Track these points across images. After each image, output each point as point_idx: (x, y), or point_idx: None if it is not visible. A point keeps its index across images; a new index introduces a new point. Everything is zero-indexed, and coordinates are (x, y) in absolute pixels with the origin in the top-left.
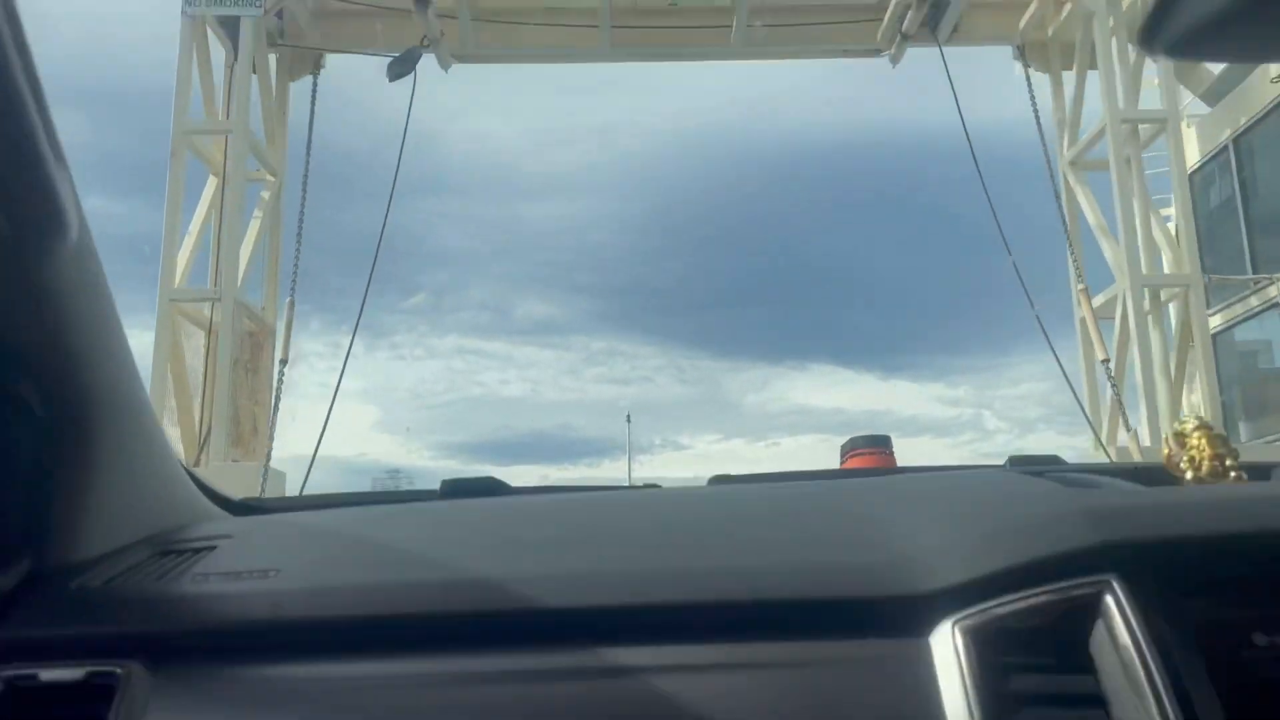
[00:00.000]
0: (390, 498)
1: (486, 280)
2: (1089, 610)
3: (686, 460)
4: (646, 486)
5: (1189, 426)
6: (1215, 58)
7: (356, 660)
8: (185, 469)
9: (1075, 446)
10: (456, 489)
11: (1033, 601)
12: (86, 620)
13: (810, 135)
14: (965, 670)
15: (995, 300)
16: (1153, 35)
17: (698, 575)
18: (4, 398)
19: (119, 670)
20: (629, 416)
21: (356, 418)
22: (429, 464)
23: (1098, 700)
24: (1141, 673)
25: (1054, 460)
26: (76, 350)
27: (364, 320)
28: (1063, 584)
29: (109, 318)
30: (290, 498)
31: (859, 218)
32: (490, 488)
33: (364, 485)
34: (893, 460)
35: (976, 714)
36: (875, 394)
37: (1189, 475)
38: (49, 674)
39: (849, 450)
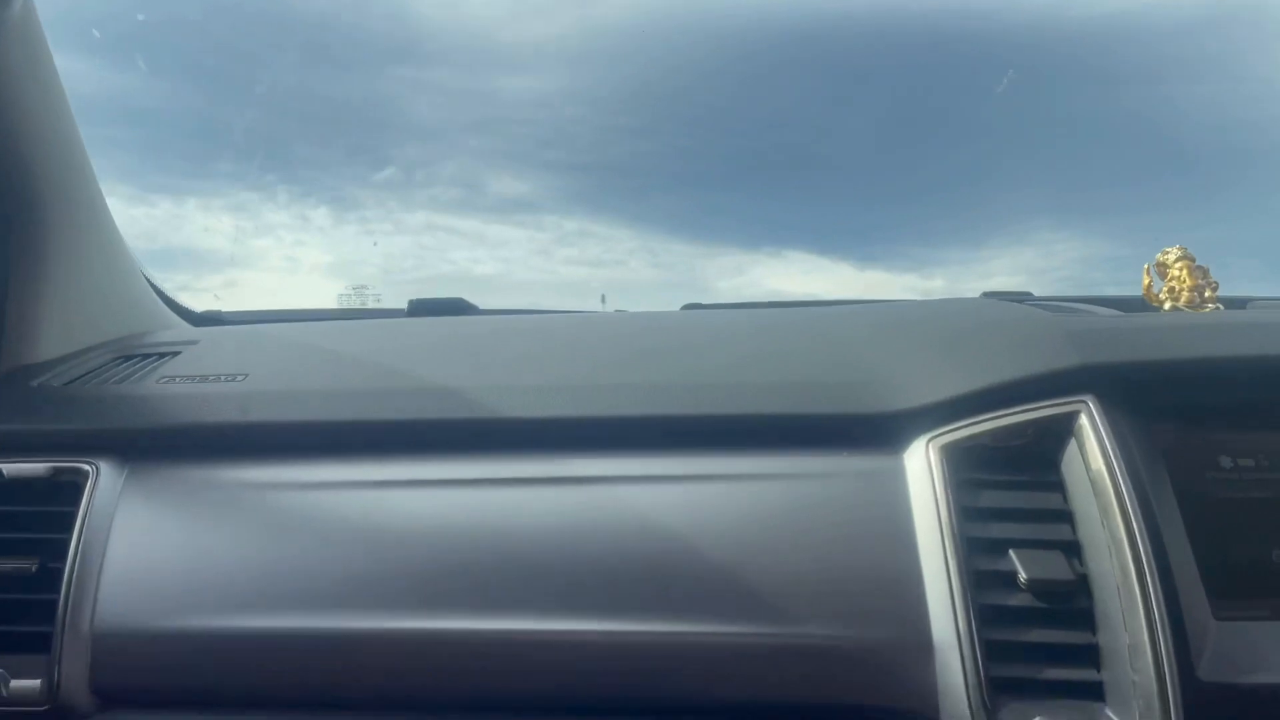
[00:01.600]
0: (356, 314)
1: (458, 155)
2: (1063, 430)
3: None
4: (617, 313)
5: (1170, 257)
6: None
7: (323, 463)
8: (146, 277)
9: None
10: (424, 307)
11: (1007, 421)
12: (49, 418)
13: (798, 12)
14: (937, 485)
15: (970, 193)
16: None
17: (672, 389)
18: None
19: (87, 467)
20: (603, 297)
21: (323, 291)
22: None
23: (1065, 516)
24: (1111, 491)
25: (1027, 295)
26: (24, 132)
27: (332, 192)
28: (1038, 404)
29: (58, 102)
30: (253, 311)
31: (842, 103)
32: (458, 307)
33: None
34: None
35: (945, 526)
36: (850, 283)
37: (1167, 305)
38: (13, 469)
39: None
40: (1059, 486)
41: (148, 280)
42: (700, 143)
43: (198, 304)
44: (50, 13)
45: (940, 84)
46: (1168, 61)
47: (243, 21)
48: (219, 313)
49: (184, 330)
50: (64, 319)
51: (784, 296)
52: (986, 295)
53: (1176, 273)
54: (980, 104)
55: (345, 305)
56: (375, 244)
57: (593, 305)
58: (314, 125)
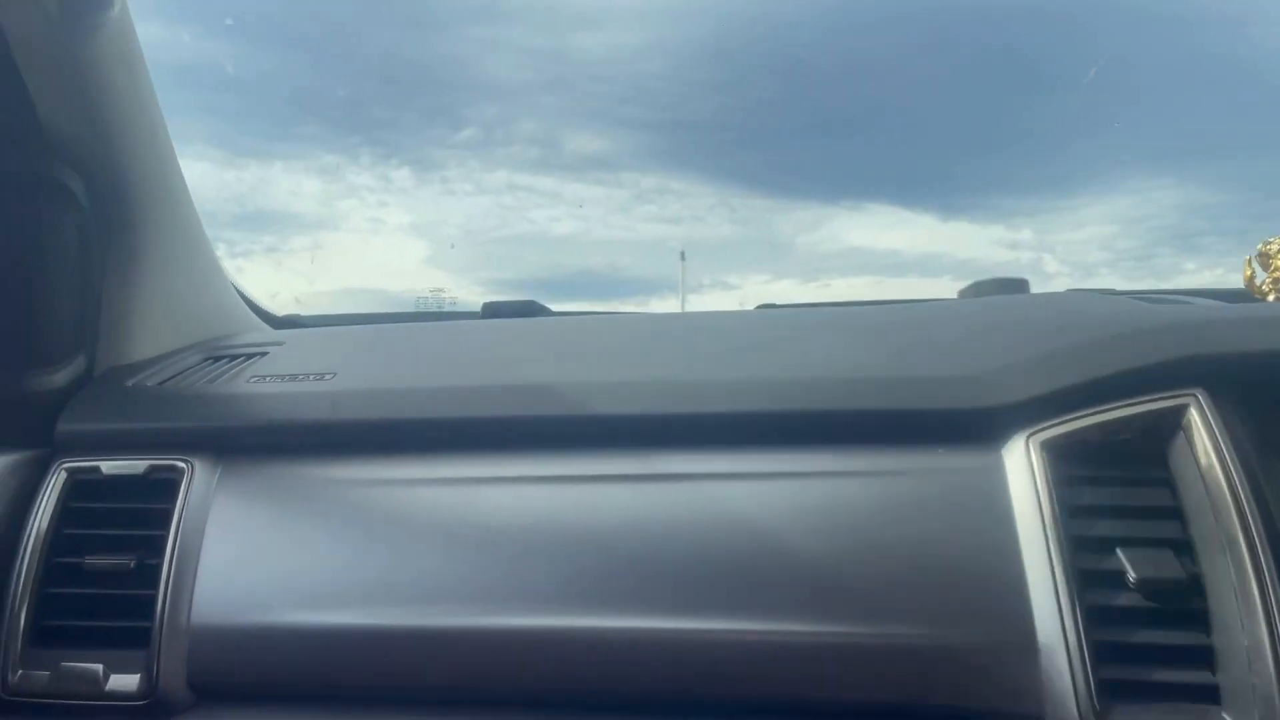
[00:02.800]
0: (433, 317)
1: (537, 113)
2: (1170, 425)
3: (735, 299)
4: (692, 313)
5: (1274, 247)
6: None
7: (410, 461)
8: (231, 281)
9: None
10: (498, 309)
11: (1111, 415)
12: (145, 417)
13: None
14: (1039, 482)
15: (1060, 139)
16: None
17: (761, 385)
18: (51, 186)
19: (182, 464)
20: (683, 254)
21: (406, 252)
22: (479, 299)
23: (1174, 513)
24: (1225, 487)
25: (1114, 292)
26: (119, 136)
27: (415, 154)
28: (1144, 398)
29: (154, 116)
30: (333, 314)
31: (921, 51)
32: (531, 309)
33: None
34: None
35: (1049, 524)
36: (933, 236)
37: (1271, 297)
38: (111, 466)
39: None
40: (1167, 483)
41: (232, 284)
42: (778, 95)
43: (279, 307)
44: None
45: (1025, 26)
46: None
47: None
48: (299, 316)
49: (268, 333)
50: (156, 322)
51: (863, 250)
52: (1073, 291)
53: None
54: (1069, 46)
55: (422, 308)
56: (452, 246)
57: (668, 264)
58: (395, 88)
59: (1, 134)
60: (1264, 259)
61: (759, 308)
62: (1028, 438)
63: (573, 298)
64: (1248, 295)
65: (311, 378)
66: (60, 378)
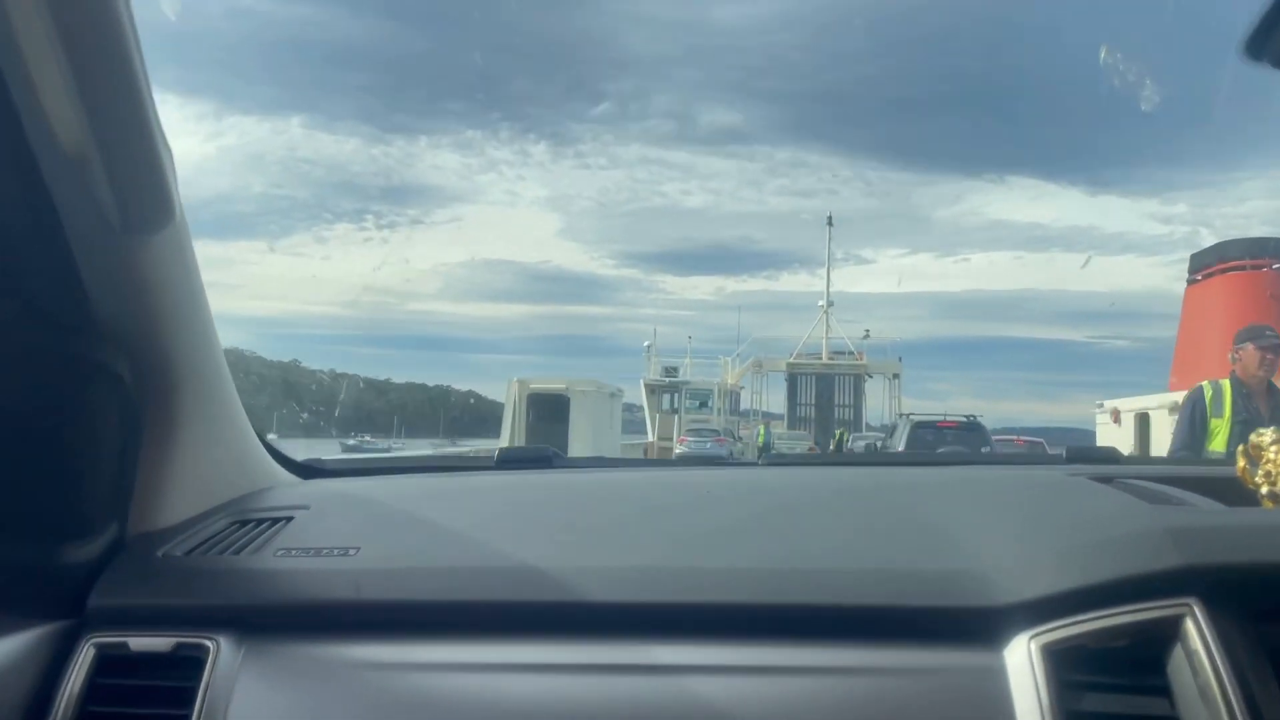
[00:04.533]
0: (450, 465)
1: (671, 87)
2: (1167, 633)
3: (870, 273)
4: (699, 469)
5: (1266, 440)
6: None
7: (429, 642)
8: (256, 433)
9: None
10: (512, 459)
11: (1110, 621)
12: (173, 591)
13: None
14: (1040, 687)
15: (1222, 109)
16: (1260, 46)
17: (761, 575)
18: (101, 373)
19: (208, 643)
20: (830, 218)
21: (541, 225)
22: (611, 272)
23: None
24: (1219, 698)
25: (1111, 454)
26: (166, 320)
27: (552, 128)
28: (1142, 605)
29: (198, 296)
30: (351, 461)
31: (1074, 16)
32: (543, 459)
33: (549, 289)
34: None
35: None
36: (1079, 210)
37: (1264, 489)
38: (139, 643)
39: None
40: (1165, 691)
41: (256, 435)
42: (920, 66)
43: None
44: None
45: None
46: None
47: None
48: (322, 463)
49: (292, 490)
50: (186, 485)
51: (1005, 224)
52: (1071, 451)
53: (1272, 456)
54: (1225, 9)
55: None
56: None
57: (800, 238)
58: (535, 63)
59: (56, 323)
60: (1255, 451)
61: (767, 463)
62: (1029, 640)
63: (704, 271)
64: (1241, 482)
65: (335, 552)
66: (94, 549)
